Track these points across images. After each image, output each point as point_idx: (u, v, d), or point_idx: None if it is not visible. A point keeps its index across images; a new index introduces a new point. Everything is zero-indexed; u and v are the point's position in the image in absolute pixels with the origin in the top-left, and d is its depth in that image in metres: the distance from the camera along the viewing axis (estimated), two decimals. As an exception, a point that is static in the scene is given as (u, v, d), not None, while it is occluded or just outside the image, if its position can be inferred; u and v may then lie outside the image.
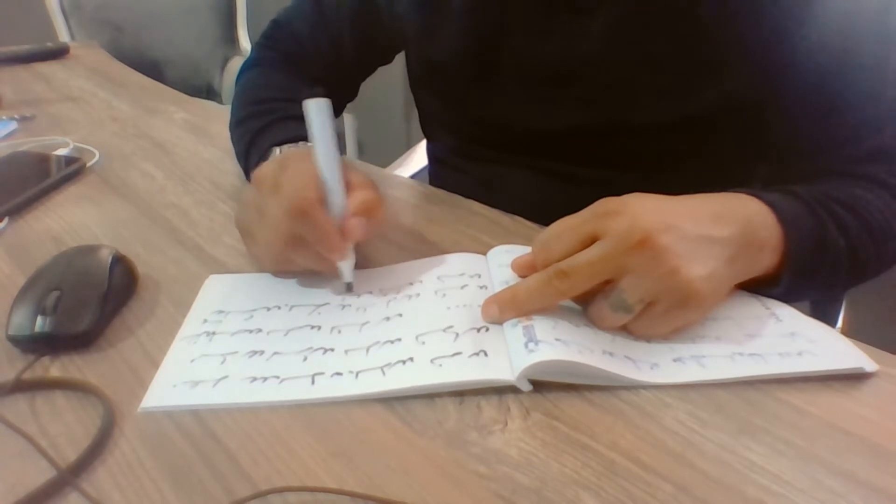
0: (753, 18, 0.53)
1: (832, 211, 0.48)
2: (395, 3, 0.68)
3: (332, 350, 0.43)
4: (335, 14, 0.72)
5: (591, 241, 0.41)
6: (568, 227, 0.42)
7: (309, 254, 0.47)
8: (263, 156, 0.58)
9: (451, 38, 0.64)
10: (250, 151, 0.62)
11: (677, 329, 0.42)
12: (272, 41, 0.77)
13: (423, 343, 0.42)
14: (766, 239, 0.45)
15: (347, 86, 0.78)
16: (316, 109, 0.47)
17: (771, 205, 0.46)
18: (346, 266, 0.48)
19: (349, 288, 0.48)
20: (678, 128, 0.58)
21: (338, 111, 0.78)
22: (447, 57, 0.65)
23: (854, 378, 0.39)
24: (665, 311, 0.41)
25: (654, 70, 0.56)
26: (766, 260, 0.45)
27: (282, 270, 0.51)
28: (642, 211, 0.40)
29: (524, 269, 0.45)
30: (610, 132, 0.61)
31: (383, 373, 0.40)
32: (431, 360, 0.40)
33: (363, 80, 0.79)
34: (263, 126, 0.62)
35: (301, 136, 0.57)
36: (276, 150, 0.58)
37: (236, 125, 0.68)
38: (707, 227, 0.42)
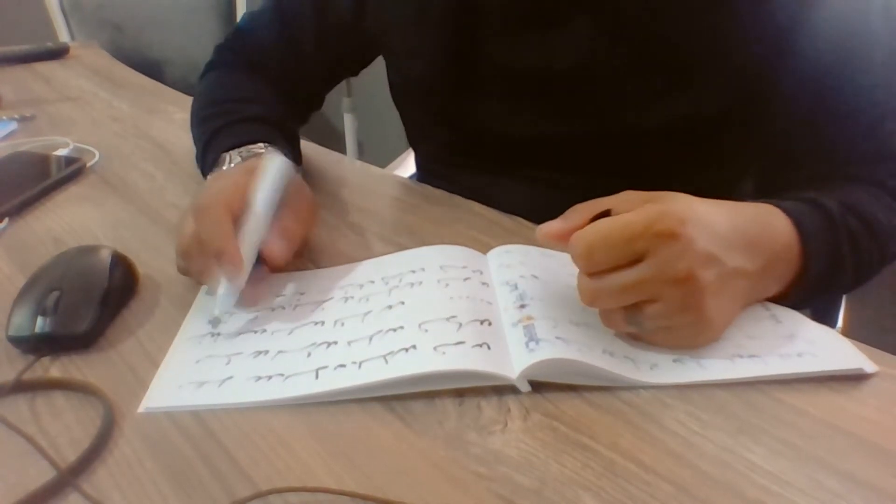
0: (734, 26, 0.53)
1: (849, 228, 0.48)
2: (365, 19, 0.67)
3: (336, 343, 0.43)
4: (297, 28, 0.71)
5: (638, 259, 0.39)
6: (618, 240, 0.39)
7: (203, 259, 0.46)
8: (218, 159, 0.58)
9: (430, 54, 0.64)
10: (206, 154, 0.62)
11: (677, 347, 0.42)
12: (235, 46, 0.77)
13: (426, 331, 0.42)
14: (784, 274, 0.45)
15: (311, 96, 0.77)
16: (272, 164, 0.50)
17: (800, 231, 0.45)
18: (225, 289, 0.45)
19: (214, 323, 0.45)
20: (661, 135, 0.58)
21: (303, 120, 0.76)
22: (428, 73, 0.65)
23: (854, 378, 0.39)
24: (676, 337, 0.41)
25: (630, 79, 0.56)
26: (775, 289, 0.46)
27: (187, 271, 0.50)
28: (696, 236, 0.39)
29: (552, 238, 0.43)
30: (591, 140, 0.60)
31: (386, 361, 0.40)
32: (434, 348, 0.40)
33: (328, 90, 0.78)
34: (219, 128, 0.62)
35: (255, 138, 0.58)
36: (232, 153, 0.57)
37: (195, 127, 0.68)
38: (742, 257, 0.41)
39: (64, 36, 1.83)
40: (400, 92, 0.73)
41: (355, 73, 0.78)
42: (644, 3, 0.54)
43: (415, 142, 0.79)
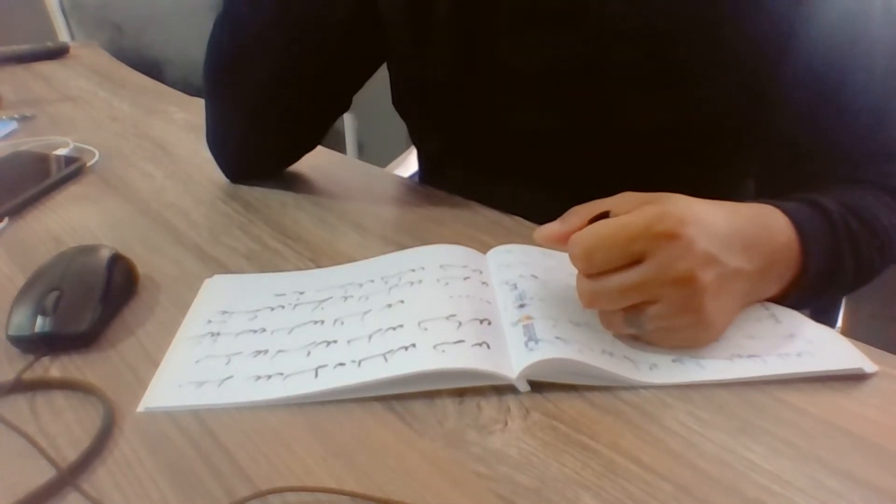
0: (736, 27, 0.53)
1: (849, 228, 0.48)
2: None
3: (335, 342, 0.43)
4: None
5: (637, 260, 0.39)
6: (618, 241, 0.39)
7: None
8: None
9: (433, 53, 0.64)
10: None
11: (677, 348, 0.42)
12: None
13: (426, 329, 0.42)
14: (783, 274, 0.45)
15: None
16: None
17: (799, 231, 0.45)
18: None
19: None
20: (663, 135, 0.58)
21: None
22: (431, 73, 0.65)
23: (854, 378, 0.39)
24: (676, 338, 0.41)
25: (633, 80, 0.56)
26: (774, 290, 0.46)
27: None
28: (696, 237, 0.39)
29: (551, 241, 0.44)
30: (593, 140, 0.60)
31: (385, 359, 0.40)
32: (434, 346, 0.40)
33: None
34: None
35: None
36: None
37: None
38: (741, 258, 0.41)
39: (64, 36, 1.83)
40: (402, 94, 0.73)
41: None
42: (647, 5, 0.54)
43: (417, 142, 0.79)
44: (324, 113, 0.70)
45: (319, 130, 0.71)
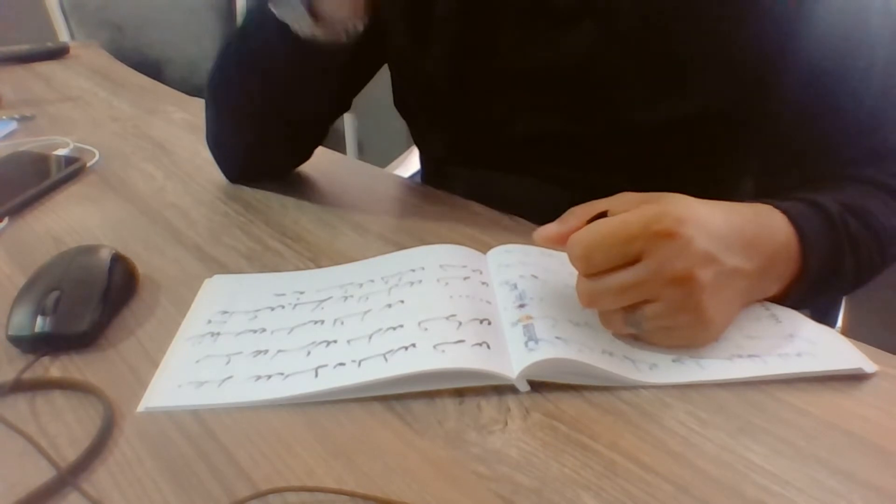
0: (737, 25, 0.53)
1: (849, 228, 0.48)
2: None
3: (335, 342, 0.43)
4: None
5: (636, 260, 0.39)
6: (616, 241, 0.39)
7: None
8: None
9: (435, 52, 0.64)
10: None
11: (677, 347, 0.42)
12: None
13: (426, 329, 0.42)
14: (783, 273, 0.45)
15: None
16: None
17: (798, 230, 0.45)
18: None
19: None
20: (664, 133, 0.58)
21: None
22: (438, 79, 0.65)
23: (854, 378, 0.39)
24: (676, 337, 0.41)
25: (635, 78, 0.56)
26: (774, 289, 0.46)
27: None
28: (695, 236, 0.39)
29: (550, 242, 0.44)
30: (595, 137, 0.60)
31: (385, 359, 0.40)
32: (434, 346, 0.40)
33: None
34: None
35: None
36: None
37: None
38: (740, 257, 0.41)
39: (64, 36, 1.83)
40: (403, 94, 0.72)
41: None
42: (648, 3, 0.54)
43: (419, 142, 0.79)
44: (324, 116, 0.70)
45: (319, 134, 0.71)
